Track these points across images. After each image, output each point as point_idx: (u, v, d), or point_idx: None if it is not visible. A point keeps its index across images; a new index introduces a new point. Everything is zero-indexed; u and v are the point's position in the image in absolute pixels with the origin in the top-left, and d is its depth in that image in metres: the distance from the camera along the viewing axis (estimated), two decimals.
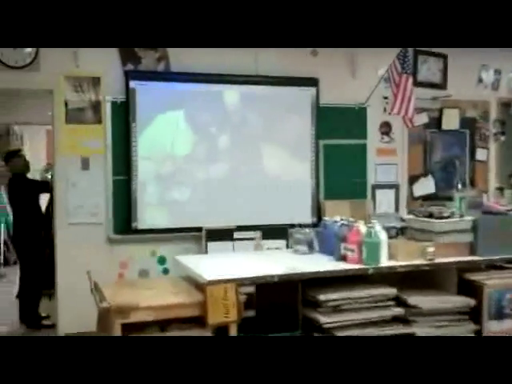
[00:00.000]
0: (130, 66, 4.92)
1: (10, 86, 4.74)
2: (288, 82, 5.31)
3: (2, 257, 7.70)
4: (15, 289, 5.91)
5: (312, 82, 5.40)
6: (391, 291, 3.41)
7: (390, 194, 5.80)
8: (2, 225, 7.82)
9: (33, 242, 5.46)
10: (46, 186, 5.62)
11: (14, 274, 6.02)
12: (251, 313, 3.33)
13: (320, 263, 3.49)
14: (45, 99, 4.88)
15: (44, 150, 9.47)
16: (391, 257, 3.49)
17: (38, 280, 5.52)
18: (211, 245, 4.98)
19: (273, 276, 3.23)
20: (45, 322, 5.52)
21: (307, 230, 3.91)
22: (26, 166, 5.72)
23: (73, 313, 4.60)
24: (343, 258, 3.48)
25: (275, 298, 3.41)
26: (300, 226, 4.00)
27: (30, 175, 5.90)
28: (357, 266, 3.38)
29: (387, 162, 5.77)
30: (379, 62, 5.30)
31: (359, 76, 5.58)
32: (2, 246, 7.79)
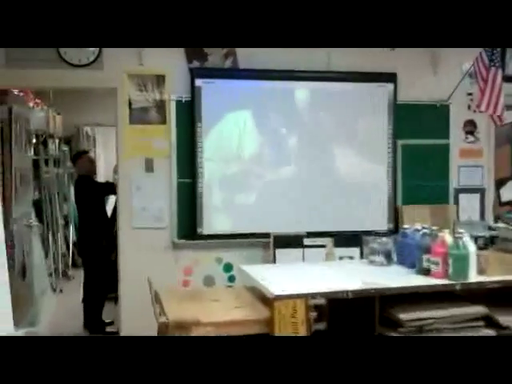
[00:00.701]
0: (195, 64, 4.72)
1: (74, 84, 4.65)
2: (363, 78, 4.95)
3: (71, 259, 7.60)
4: (81, 292, 5.83)
5: (389, 77, 5.01)
6: (481, 310, 3.05)
7: (475, 198, 5.32)
8: (71, 226, 7.77)
9: (97, 245, 5.35)
10: (112, 187, 5.50)
11: (71, 289, 5.91)
12: (322, 326, 3.12)
13: (400, 277, 3.16)
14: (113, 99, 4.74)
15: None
16: (480, 271, 3.12)
17: (102, 285, 5.40)
18: (279, 252, 4.72)
19: (347, 292, 2.93)
20: (108, 329, 5.40)
21: (384, 239, 3.58)
22: (92, 168, 5.63)
23: (136, 319, 4.41)
24: (426, 272, 3.13)
25: (349, 313, 3.16)
26: (376, 234, 3.67)
27: (102, 177, 5.80)
28: (442, 282, 3.03)
29: (472, 164, 5.31)
30: (463, 55, 4.81)
31: (441, 70, 5.14)
32: (71, 247, 7.71)
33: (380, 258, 3.51)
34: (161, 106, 4.68)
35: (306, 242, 4.74)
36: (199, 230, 4.72)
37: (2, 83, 4.51)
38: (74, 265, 8.00)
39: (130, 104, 4.65)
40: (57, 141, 7.99)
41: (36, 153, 6.94)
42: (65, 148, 8.36)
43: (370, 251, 3.69)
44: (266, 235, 4.72)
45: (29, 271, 5.23)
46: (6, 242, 4.50)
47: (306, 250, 4.74)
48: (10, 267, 4.62)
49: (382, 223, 5.02)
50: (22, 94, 6.02)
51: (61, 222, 7.56)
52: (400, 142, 5.10)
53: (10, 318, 2.41)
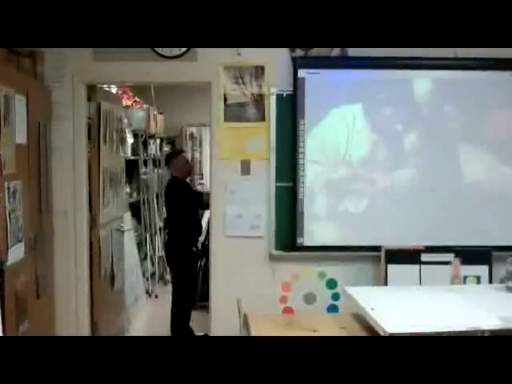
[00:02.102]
0: (299, 52, 4.20)
1: (165, 78, 4.29)
2: (496, 66, 4.23)
3: (157, 274, 7.22)
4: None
5: None
6: None
7: None
8: (158, 237, 7.47)
9: (185, 252, 4.95)
10: (200, 198, 5.07)
11: (168, 293, 5.54)
12: None
13: None
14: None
15: None
16: None
17: (189, 293, 4.99)
18: (392, 268, 4.13)
19: (481, 331, 2.28)
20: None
21: None
22: (187, 170, 5.22)
23: (226, 333, 3.99)
24: None
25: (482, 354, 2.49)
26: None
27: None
28: None
29: None
30: None
31: None
32: (156, 261, 7.22)
33: None
34: (259, 100, 4.23)
35: (424, 257, 4.17)
36: (300, 241, 4.24)
37: (90, 78, 4.23)
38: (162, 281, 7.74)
39: (225, 99, 4.23)
40: (158, 141, 7.77)
41: (135, 153, 6.72)
42: (166, 148, 8.14)
43: (508, 275, 3.05)
44: (377, 248, 4.17)
45: (118, 279, 4.93)
46: (92, 249, 4.30)
47: (424, 266, 4.16)
48: (96, 276, 4.38)
49: None
50: (114, 90, 5.79)
51: (159, 224, 7.30)
52: None
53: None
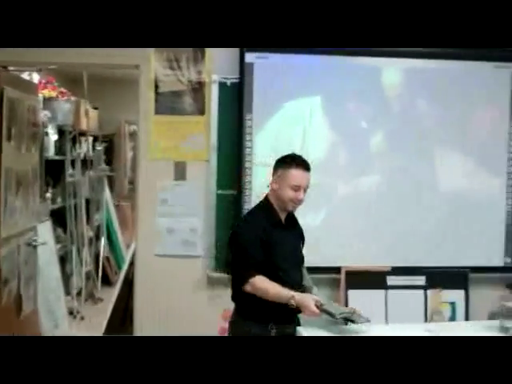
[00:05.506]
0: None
1: (81, 60, 3.70)
2: (476, 56, 3.84)
3: (100, 277, 6.57)
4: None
5: None
6: None
7: None
8: (103, 238, 6.79)
9: None
10: None
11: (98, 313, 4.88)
12: None
13: None
14: None
15: None
16: None
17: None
18: (354, 294, 3.73)
19: None
20: None
21: None
22: None
23: None
24: None
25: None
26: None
27: None
28: None
29: None
30: None
31: None
32: (100, 263, 6.67)
33: None
34: (198, 89, 3.72)
35: (391, 280, 3.79)
36: None
37: None
38: (108, 282, 7.05)
39: (156, 87, 3.69)
40: (90, 139, 7.01)
41: (60, 152, 5.94)
42: (99, 147, 7.38)
43: (503, 311, 2.51)
44: (336, 270, 3.78)
45: (28, 303, 4.15)
46: None
47: (391, 292, 3.79)
48: None
49: (497, 256, 3.95)
50: (35, 77, 5.01)
51: (88, 234, 6.53)
52: None
53: None
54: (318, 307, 2.41)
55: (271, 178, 2.72)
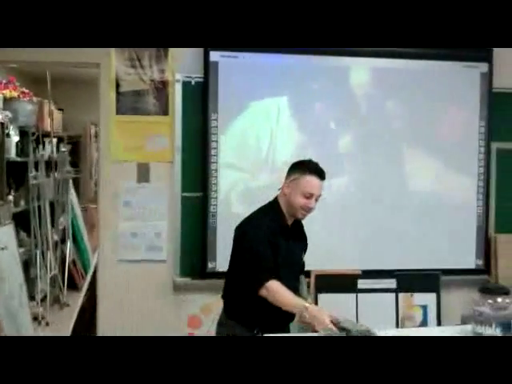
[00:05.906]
0: None
1: (36, 58, 3.53)
2: (445, 55, 3.80)
3: (66, 281, 6.41)
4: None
5: (482, 54, 3.87)
6: None
7: None
8: (69, 242, 6.67)
9: None
10: None
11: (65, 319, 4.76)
12: None
13: None
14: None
15: None
16: None
17: None
18: (324, 298, 3.61)
19: None
20: None
21: (508, 299, 2.46)
22: None
23: None
24: None
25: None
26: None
27: None
28: None
29: None
30: None
31: None
32: (66, 266, 6.50)
33: (490, 330, 2.37)
34: (161, 89, 3.62)
35: (362, 283, 3.69)
36: (211, 266, 3.69)
37: None
38: (75, 287, 6.89)
39: (117, 86, 3.56)
40: (54, 140, 6.85)
41: (23, 154, 5.81)
42: (64, 149, 7.23)
43: (478, 317, 2.43)
44: (305, 274, 3.47)
45: None
46: None
47: (361, 295, 3.67)
48: None
49: (469, 258, 3.95)
50: None
51: (53, 237, 6.38)
52: (495, 146, 4.02)
53: None
54: (334, 324, 2.24)
55: (284, 181, 2.59)
